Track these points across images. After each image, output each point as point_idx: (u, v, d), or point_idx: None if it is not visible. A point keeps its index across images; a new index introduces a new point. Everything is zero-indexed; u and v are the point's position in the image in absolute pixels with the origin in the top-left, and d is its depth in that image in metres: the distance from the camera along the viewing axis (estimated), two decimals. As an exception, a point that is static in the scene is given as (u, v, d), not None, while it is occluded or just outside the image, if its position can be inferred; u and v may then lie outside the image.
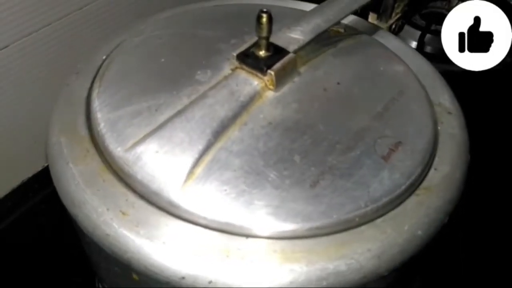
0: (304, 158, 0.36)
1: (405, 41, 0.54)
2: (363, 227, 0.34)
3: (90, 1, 0.62)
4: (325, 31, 0.43)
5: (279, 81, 0.39)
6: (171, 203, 0.34)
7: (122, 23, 0.66)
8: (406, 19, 0.57)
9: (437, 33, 0.45)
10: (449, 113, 0.42)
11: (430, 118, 0.40)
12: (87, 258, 0.42)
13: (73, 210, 0.35)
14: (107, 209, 0.34)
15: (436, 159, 0.38)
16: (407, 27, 0.57)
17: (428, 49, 0.65)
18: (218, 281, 0.31)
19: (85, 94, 0.42)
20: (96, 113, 0.39)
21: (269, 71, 0.39)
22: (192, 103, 0.38)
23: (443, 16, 0.46)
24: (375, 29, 0.50)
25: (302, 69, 0.42)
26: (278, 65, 0.39)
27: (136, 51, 0.45)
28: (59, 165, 0.37)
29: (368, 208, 0.34)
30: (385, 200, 0.34)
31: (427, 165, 0.37)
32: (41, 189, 0.66)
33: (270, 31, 0.38)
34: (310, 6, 0.48)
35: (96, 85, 0.42)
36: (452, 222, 0.37)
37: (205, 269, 0.32)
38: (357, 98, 0.41)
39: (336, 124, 0.38)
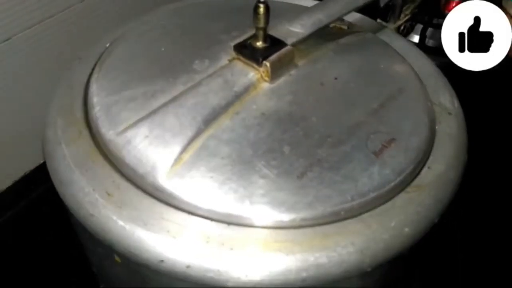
0: (293, 149, 0.35)
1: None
2: (348, 221, 0.33)
3: (92, -7, 0.62)
4: (326, 26, 0.43)
5: (275, 73, 0.39)
6: (155, 187, 0.34)
7: (124, 15, 0.67)
8: (416, 21, 0.57)
9: (439, 27, 0.44)
10: (449, 113, 0.41)
11: (427, 117, 0.39)
12: (78, 241, 0.43)
13: (60, 189, 0.36)
14: (93, 189, 0.34)
15: (431, 157, 0.37)
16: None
17: (430, 42, 0.65)
18: (196, 266, 0.31)
19: (85, 79, 0.42)
20: (93, 97, 0.39)
21: (264, 62, 0.39)
22: (186, 91, 0.38)
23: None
24: (380, 28, 0.50)
25: (300, 63, 0.41)
26: (274, 56, 0.39)
27: (139, 40, 0.45)
28: (52, 145, 0.38)
29: (355, 202, 0.33)
30: (373, 195, 0.34)
31: (420, 163, 0.36)
32: (44, 181, 0.66)
33: (267, 21, 0.38)
34: (314, 3, 0.48)
35: (96, 70, 0.42)
36: (451, 222, 0.37)
37: (184, 253, 0.31)
38: (354, 94, 0.40)
39: (329, 118, 0.38)
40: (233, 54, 0.41)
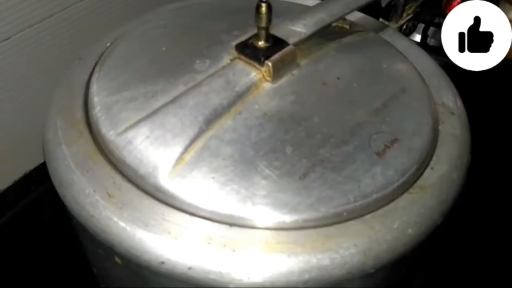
0: (296, 149, 0.35)
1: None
2: (351, 222, 0.33)
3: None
4: (329, 26, 0.43)
5: (277, 72, 0.39)
6: (157, 188, 0.33)
7: (125, 14, 0.66)
8: (419, 20, 0.56)
9: (441, 26, 0.44)
10: (452, 113, 0.41)
11: (430, 117, 0.39)
12: (79, 242, 0.42)
13: (61, 190, 0.35)
14: (94, 191, 0.34)
15: (434, 158, 0.37)
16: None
17: (431, 42, 0.65)
18: (198, 267, 0.31)
19: (85, 78, 0.42)
20: (94, 97, 0.39)
21: (266, 62, 0.38)
22: (187, 91, 0.38)
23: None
24: (382, 27, 0.49)
25: (302, 62, 0.41)
26: (276, 56, 0.39)
27: (140, 39, 0.45)
28: (52, 146, 0.38)
29: (357, 203, 0.33)
30: (375, 196, 0.33)
31: (423, 164, 0.36)
32: (44, 181, 0.66)
33: (269, 21, 0.38)
34: (316, 2, 0.47)
35: (96, 70, 0.42)
36: (454, 222, 0.36)
37: (186, 255, 0.31)
38: (357, 94, 0.40)
39: (332, 117, 0.38)
40: (234, 53, 0.41)
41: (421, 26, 0.62)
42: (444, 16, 0.45)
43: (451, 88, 0.43)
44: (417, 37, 0.64)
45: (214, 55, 0.41)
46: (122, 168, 0.35)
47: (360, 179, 0.34)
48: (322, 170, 0.34)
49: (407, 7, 0.54)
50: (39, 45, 0.59)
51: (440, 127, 0.39)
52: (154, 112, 0.37)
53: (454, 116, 0.40)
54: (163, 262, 0.31)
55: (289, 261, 0.31)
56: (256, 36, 0.40)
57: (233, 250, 0.31)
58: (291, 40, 0.40)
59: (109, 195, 0.34)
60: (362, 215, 0.33)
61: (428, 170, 0.36)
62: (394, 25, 0.52)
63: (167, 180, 0.34)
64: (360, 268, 0.32)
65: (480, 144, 0.42)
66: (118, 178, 0.35)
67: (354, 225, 0.33)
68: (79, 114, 0.39)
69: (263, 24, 0.38)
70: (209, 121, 0.36)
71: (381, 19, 0.53)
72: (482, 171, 0.50)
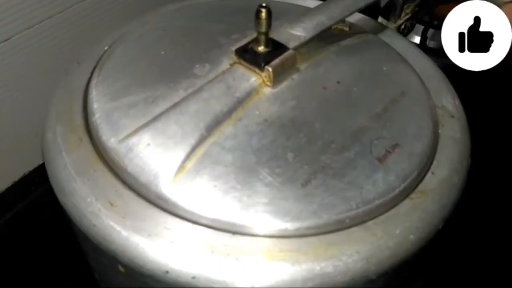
0: (297, 156, 0.35)
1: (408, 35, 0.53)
2: (353, 229, 0.33)
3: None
4: (328, 29, 0.42)
5: (277, 77, 0.39)
6: (159, 196, 0.33)
7: (124, 16, 0.66)
8: (417, 20, 0.56)
9: (440, 28, 0.44)
10: (452, 116, 0.41)
11: (430, 121, 0.39)
12: (80, 248, 0.42)
13: (62, 198, 0.35)
14: (96, 199, 0.34)
15: (434, 162, 0.37)
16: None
17: (431, 44, 0.64)
18: (202, 276, 0.31)
19: (84, 83, 0.42)
20: (93, 103, 0.39)
21: (266, 67, 0.38)
22: (187, 97, 0.38)
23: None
24: (381, 28, 0.49)
25: (302, 66, 0.41)
26: (276, 61, 0.39)
27: (138, 42, 0.45)
28: (52, 153, 0.37)
29: (360, 210, 0.33)
30: (377, 202, 0.34)
31: (424, 169, 0.36)
32: (43, 183, 0.66)
33: (269, 26, 0.38)
34: (316, 3, 0.47)
35: (95, 74, 0.42)
36: (454, 225, 0.37)
37: (189, 264, 0.31)
38: (357, 98, 0.40)
39: (333, 123, 0.38)
40: (234, 58, 0.40)
41: (420, 27, 0.62)
42: (439, 18, 0.45)
43: (451, 91, 0.43)
44: (416, 39, 0.64)
45: (214, 59, 0.41)
46: (123, 176, 0.35)
47: (362, 185, 0.34)
48: (323, 177, 0.34)
49: (405, 6, 0.54)
50: (39, 46, 0.59)
51: (440, 131, 0.39)
52: (155, 119, 0.37)
53: (454, 119, 0.41)
54: (167, 272, 0.31)
55: (293, 269, 0.31)
56: (256, 41, 0.39)
57: (237, 259, 0.31)
58: (291, 45, 0.40)
59: (111, 204, 0.34)
60: (364, 221, 0.33)
61: (429, 174, 0.36)
62: (392, 25, 0.52)
63: (169, 188, 0.33)
64: (363, 274, 0.32)
65: (480, 146, 0.42)
66: (119, 186, 0.35)
67: (356, 232, 0.33)
68: (79, 120, 0.39)
69: (263, 29, 0.38)
70: (210, 128, 0.36)
71: (380, 18, 0.53)
72: (483, 173, 0.50)
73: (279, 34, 0.40)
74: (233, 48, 0.40)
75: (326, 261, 0.31)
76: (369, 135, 0.37)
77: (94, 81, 0.41)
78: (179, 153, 0.35)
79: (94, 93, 0.40)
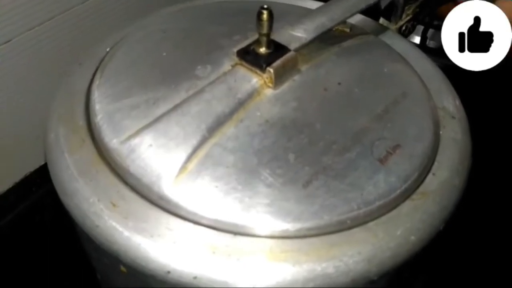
0: (298, 157, 0.35)
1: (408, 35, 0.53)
2: (354, 230, 0.33)
3: (93, -5, 0.62)
4: (330, 30, 0.43)
5: (279, 79, 0.39)
6: (161, 197, 0.34)
7: (126, 17, 0.66)
8: (418, 21, 0.56)
9: (440, 28, 0.44)
10: (453, 117, 0.41)
11: (431, 122, 0.39)
12: (83, 248, 0.42)
13: (65, 199, 0.35)
14: (98, 200, 0.34)
15: (435, 163, 0.37)
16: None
17: (431, 44, 0.65)
18: (203, 277, 0.31)
19: (86, 85, 0.42)
20: (95, 104, 0.39)
21: (268, 68, 0.38)
22: (189, 98, 0.38)
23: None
24: (382, 29, 0.49)
25: (303, 68, 0.41)
26: (278, 62, 0.39)
27: (139, 44, 0.45)
28: (54, 154, 0.38)
29: (361, 211, 0.33)
30: (378, 203, 0.34)
31: (425, 170, 0.36)
32: (44, 183, 0.66)
33: (270, 28, 0.38)
34: (317, 4, 0.47)
35: (97, 76, 0.42)
36: (455, 226, 0.37)
37: (191, 264, 0.31)
38: (358, 99, 0.40)
39: (334, 124, 0.38)
40: (235, 59, 0.41)
41: (420, 28, 0.62)
42: (440, 18, 0.45)
43: (451, 92, 0.43)
44: (416, 39, 0.64)
45: (215, 60, 0.41)
46: (126, 177, 0.35)
47: (363, 187, 0.34)
48: (325, 178, 0.34)
49: (406, 7, 0.54)
50: (40, 48, 0.59)
51: (441, 132, 0.39)
52: (157, 120, 0.37)
53: (454, 120, 0.41)
54: (169, 272, 0.31)
55: (294, 270, 0.31)
56: (257, 42, 0.39)
57: (238, 259, 0.31)
58: (292, 46, 0.40)
59: (113, 205, 0.34)
60: (366, 222, 0.33)
61: (430, 176, 0.36)
62: (393, 26, 0.52)
63: (170, 189, 0.34)
64: (364, 275, 0.32)
65: (481, 147, 0.42)
66: (121, 187, 0.35)
67: (357, 233, 0.33)
68: (81, 122, 0.39)
69: (265, 31, 0.38)
70: (212, 129, 0.36)
71: (382, 19, 0.53)
72: (484, 174, 0.50)
73: (281, 36, 0.41)
74: (235, 50, 0.40)
75: (327, 262, 0.31)
76: (370, 136, 0.37)
77: (96, 83, 0.41)
78: (181, 154, 0.35)
79: (96, 95, 0.40)
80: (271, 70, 0.38)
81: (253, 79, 0.39)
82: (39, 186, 0.67)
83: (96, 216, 0.34)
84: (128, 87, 0.40)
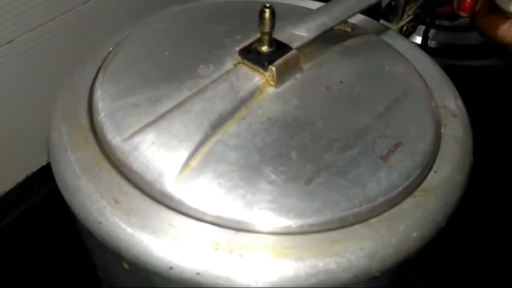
0: (301, 154, 0.35)
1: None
2: (356, 226, 0.33)
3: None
4: (331, 29, 0.43)
5: (281, 77, 0.39)
6: (164, 194, 0.34)
7: (127, 18, 0.66)
8: (419, 21, 0.56)
9: (441, 28, 0.44)
10: (454, 115, 0.41)
11: (432, 120, 0.39)
12: (84, 246, 0.43)
13: (67, 196, 0.36)
14: (101, 197, 0.34)
15: (437, 161, 0.37)
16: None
17: (432, 44, 0.65)
18: (206, 273, 0.31)
19: (89, 83, 0.42)
20: (98, 102, 0.39)
21: (270, 66, 0.39)
22: (191, 96, 0.38)
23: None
24: (383, 29, 0.49)
25: (305, 66, 0.41)
26: (280, 61, 0.39)
27: (142, 43, 0.45)
28: (57, 152, 0.38)
29: (363, 207, 0.33)
30: (380, 200, 0.34)
31: (427, 167, 0.37)
32: (46, 184, 0.66)
33: (272, 26, 0.38)
34: (318, 5, 0.48)
35: (100, 75, 0.42)
36: (457, 223, 0.37)
37: (193, 260, 0.31)
38: (360, 97, 0.40)
39: (336, 122, 0.38)
40: (237, 58, 0.41)
41: (422, 27, 0.63)
42: (445, 18, 0.45)
43: (453, 90, 0.43)
44: (418, 39, 0.65)
45: (218, 59, 0.41)
46: (128, 174, 0.35)
47: (365, 183, 0.34)
48: (327, 175, 0.34)
49: (407, 8, 0.54)
50: (42, 48, 0.59)
51: (442, 130, 0.40)
52: (160, 118, 0.37)
53: (456, 118, 0.41)
54: (171, 268, 0.31)
55: (296, 266, 0.31)
56: (259, 41, 0.40)
57: (240, 255, 0.31)
58: (294, 45, 0.40)
59: (116, 201, 0.34)
60: (368, 219, 0.33)
61: (431, 173, 0.37)
62: (394, 26, 0.52)
63: (173, 186, 0.34)
64: (366, 271, 0.32)
65: (482, 145, 0.42)
66: (124, 184, 0.35)
67: (359, 229, 0.33)
68: (84, 120, 0.39)
69: (267, 29, 0.38)
70: (214, 127, 0.36)
71: (381, 21, 0.53)
72: (485, 171, 0.50)
73: (282, 34, 0.41)
74: (237, 49, 0.41)
75: (330, 258, 0.32)
76: (372, 134, 0.37)
77: (99, 81, 0.41)
78: (184, 152, 0.35)
79: (99, 93, 0.40)
80: (273, 69, 0.39)
81: (255, 78, 0.39)
82: (41, 186, 0.67)
83: (99, 212, 0.34)
84: (130, 85, 0.40)
